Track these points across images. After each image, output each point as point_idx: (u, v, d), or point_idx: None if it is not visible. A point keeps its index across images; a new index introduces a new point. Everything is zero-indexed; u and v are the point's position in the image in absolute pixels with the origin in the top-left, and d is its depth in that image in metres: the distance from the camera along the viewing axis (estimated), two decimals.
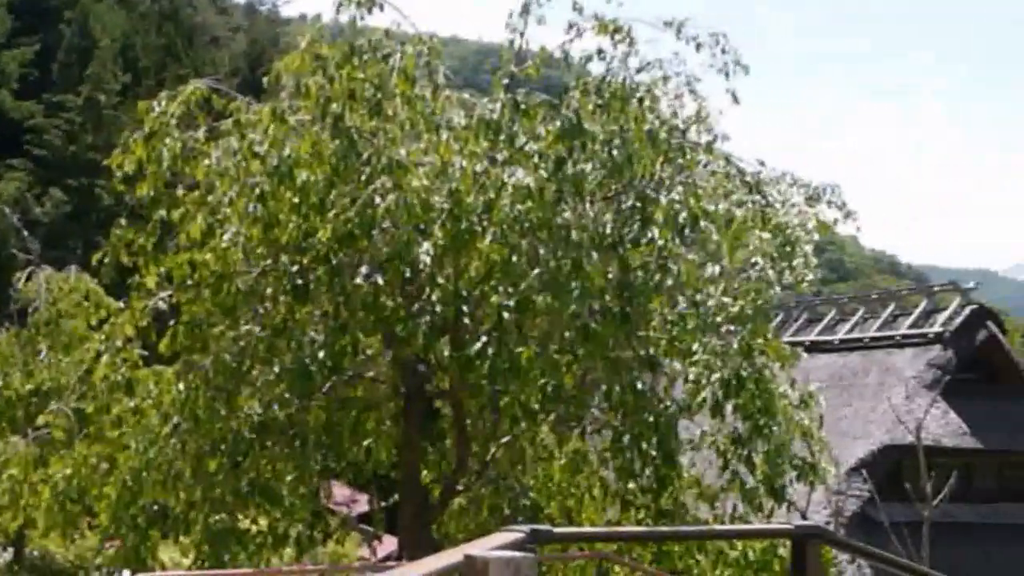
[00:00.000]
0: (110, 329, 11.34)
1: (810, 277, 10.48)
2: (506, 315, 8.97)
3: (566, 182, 9.24)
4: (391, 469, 11.74)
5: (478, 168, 9.29)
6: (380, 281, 9.22)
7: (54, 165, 54.60)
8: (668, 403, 9.79)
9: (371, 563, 12.78)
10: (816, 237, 10.52)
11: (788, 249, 10.19)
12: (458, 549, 4.15)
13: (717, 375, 9.54)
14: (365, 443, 11.26)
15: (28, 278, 16.69)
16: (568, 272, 8.92)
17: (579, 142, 9.41)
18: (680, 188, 9.55)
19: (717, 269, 9.74)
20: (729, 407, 9.70)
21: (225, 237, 9.85)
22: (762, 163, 10.72)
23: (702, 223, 9.56)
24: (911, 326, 27.42)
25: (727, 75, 10.17)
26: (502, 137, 9.57)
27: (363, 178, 9.44)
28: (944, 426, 25.20)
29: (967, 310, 26.84)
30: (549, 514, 10.82)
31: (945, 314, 26.98)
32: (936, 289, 29.99)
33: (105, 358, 11.08)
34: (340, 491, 14.31)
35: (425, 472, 11.16)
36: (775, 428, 9.83)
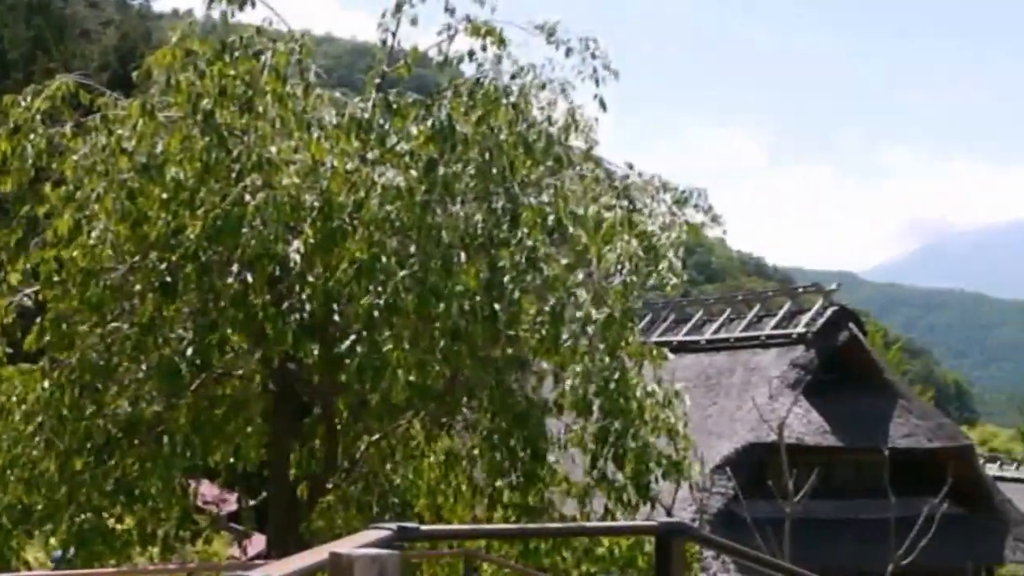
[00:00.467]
0: None
1: (676, 281, 10.67)
2: (376, 314, 9.01)
3: (437, 183, 9.31)
4: (261, 468, 11.68)
5: (349, 167, 9.31)
6: (250, 279, 9.19)
7: None
8: (536, 402, 9.91)
9: (240, 562, 12.70)
10: (684, 239, 10.72)
11: (655, 253, 10.37)
12: (324, 547, 4.17)
13: (584, 374, 9.68)
14: (234, 441, 11.19)
15: None
16: (438, 272, 9.00)
17: (450, 143, 9.49)
18: (550, 191, 9.68)
19: (586, 272, 9.88)
20: (596, 406, 9.86)
21: (93, 234, 9.71)
22: (631, 166, 10.92)
23: (571, 226, 9.71)
24: (775, 327, 28.06)
25: (597, 81, 10.34)
26: (373, 136, 9.60)
27: (233, 175, 9.40)
28: (806, 424, 25.83)
29: (829, 311, 27.56)
30: (419, 512, 10.89)
31: (808, 315, 27.67)
32: (800, 291, 30.73)
33: None
34: (210, 490, 14.18)
35: (294, 470, 11.13)
36: (641, 427, 10.02)
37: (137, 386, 9.95)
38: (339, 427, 10.34)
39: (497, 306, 9.38)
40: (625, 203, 10.36)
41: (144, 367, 9.71)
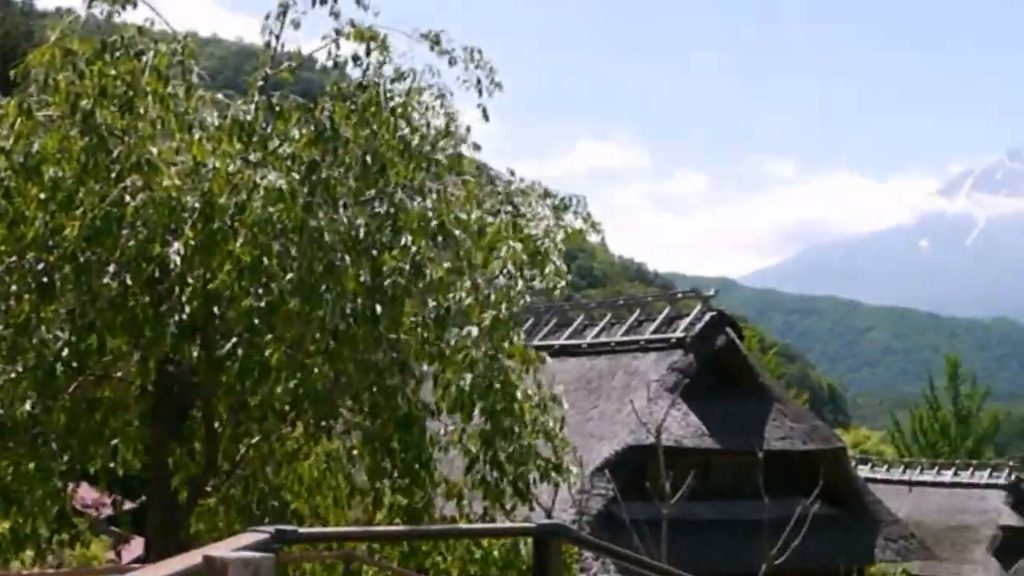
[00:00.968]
0: None
1: (561, 284, 10.82)
2: (257, 316, 9.01)
3: (319, 186, 9.33)
4: (140, 470, 11.56)
5: (231, 169, 9.28)
6: (129, 280, 9.11)
7: None
8: (417, 404, 9.98)
9: (117, 565, 12.55)
10: (563, 247, 10.87)
11: (539, 258, 10.50)
12: (198, 550, 4.21)
13: (465, 377, 9.78)
14: (112, 444, 11.06)
15: None
16: (320, 275, 9.04)
17: (333, 146, 9.53)
18: (433, 196, 9.76)
19: (470, 276, 9.98)
20: (476, 408, 9.96)
21: None
22: (512, 172, 11.04)
23: (454, 231, 9.80)
24: (655, 331, 28.46)
25: (481, 92, 10.45)
26: (255, 139, 9.59)
27: (113, 176, 9.31)
28: (685, 427, 26.24)
29: (708, 316, 28.04)
30: (300, 514, 10.87)
31: (687, 320, 28.10)
32: (679, 296, 31.19)
33: None
34: (90, 493, 13.97)
35: (174, 473, 11.04)
36: (520, 429, 10.14)
37: (11, 387, 9.79)
38: (220, 429, 10.29)
39: (379, 309, 9.44)
40: (509, 208, 10.47)
41: (19, 368, 9.56)
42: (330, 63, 10.47)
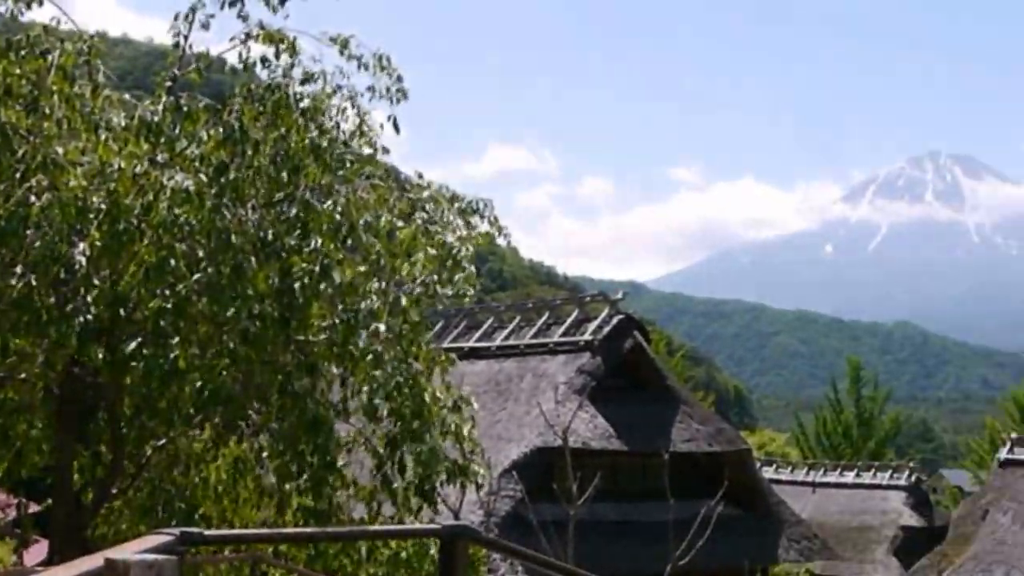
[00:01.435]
0: None
1: (472, 292, 10.88)
2: (164, 318, 8.98)
3: (228, 187, 9.32)
4: (45, 473, 11.43)
5: (137, 170, 9.22)
6: (34, 281, 9.02)
7: None
8: (326, 406, 9.99)
9: (22, 568, 12.39)
10: (471, 250, 10.93)
11: (451, 264, 10.55)
12: (100, 553, 4.21)
13: (374, 379, 9.81)
14: (16, 447, 10.93)
15: None
16: (228, 276, 9.02)
17: (241, 148, 9.51)
18: (342, 199, 9.77)
19: (379, 280, 10.00)
20: (384, 410, 9.99)
21: None
22: (420, 175, 11.09)
23: (364, 235, 9.83)
24: (563, 334, 28.67)
25: (391, 100, 10.49)
26: (162, 140, 9.54)
27: (18, 176, 9.21)
28: (592, 429, 26.46)
29: (615, 319, 28.32)
30: (207, 516, 10.82)
31: (595, 323, 28.33)
32: (588, 299, 31.43)
33: None
34: None
35: (79, 475, 10.93)
36: (429, 431, 10.19)
37: None
38: (125, 431, 10.21)
39: (288, 311, 9.44)
40: (421, 213, 10.51)
41: None
42: (239, 65, 10.45)
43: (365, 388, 9.88)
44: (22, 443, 10.92)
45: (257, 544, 10.01)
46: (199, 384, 9.28)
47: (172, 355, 9.09)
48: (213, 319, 9.27)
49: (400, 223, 10.39)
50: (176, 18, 10.17)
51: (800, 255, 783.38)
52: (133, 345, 9.09)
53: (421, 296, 10.25)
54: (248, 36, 10.26)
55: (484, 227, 11.10)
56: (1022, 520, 29.68)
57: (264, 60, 10.23)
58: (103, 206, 8.99)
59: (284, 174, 9.65)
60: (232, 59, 10.54)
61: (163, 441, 10.44)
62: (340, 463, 10.15)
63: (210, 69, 10.59)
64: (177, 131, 9.70)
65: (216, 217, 9.11)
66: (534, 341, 29.16)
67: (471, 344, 30.10)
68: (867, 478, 50.01)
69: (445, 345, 26.38)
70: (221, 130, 9.59)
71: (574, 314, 29.45)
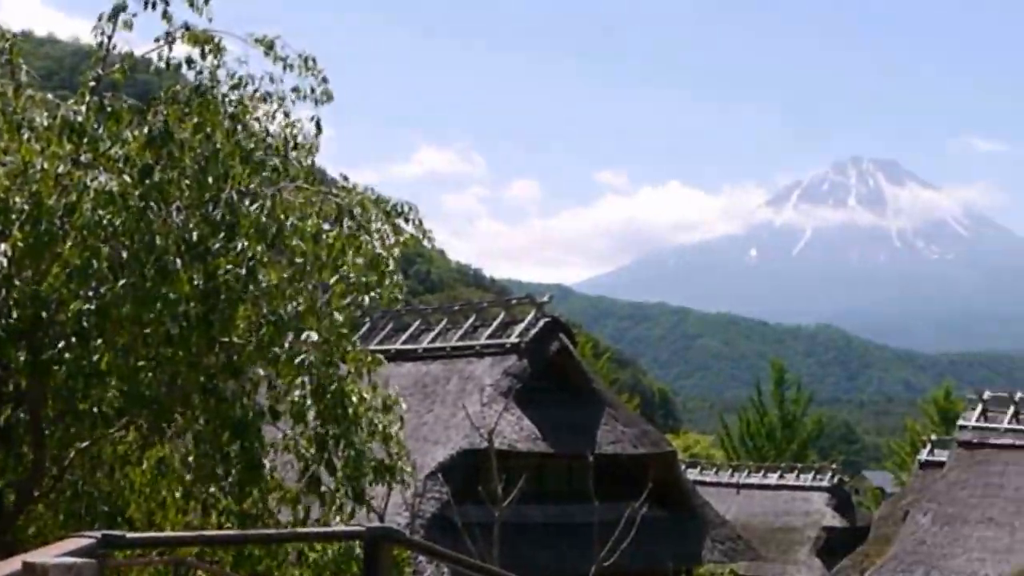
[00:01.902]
0: None
1: (398, 296, 10.88)
2: (87, 320, 8.91)
3: (152, 189, 9.25)
4: None
5: (60, 170, 9.15)
6: None
7: None
8: (252, 408, 9.96)
9: None
10: (398, 254, 10.92)
11: (377, 268, 10.54)
12: (18, 557, 4.17)
13: (301, 382, 9.80)
14: None
15: None
16: (152, 278, 8.97)
17: (167, 150, 9.45)
18: (269, 202, 9.74)
19: (307, 282, 9.98)
20: (312, 413, 9.98)
21: None
22: (346, 178, 11.07)
23: (291, 238, 9.80)
24: (490, 336, 28.74)
25: (316, 101, 10.47)
26: (86, 140, 9.46)
27: None
28: (518, 431, 26.56)
29: (541, 322, 28.43)
30: (132, 520, 10.73)
31: (521, 325, 28.43)
32: (514, 302, 31.53)
33: None
34: None
35: (1, 478, 10.80)
36: (355, 433, 10.20)
37: None
38: (48, 434, 10.11)
39: (213, 313, 9.41)
40: (348, 218, 10.49)
41: None
42: (163, 65, 10.37)
43: (293, 390, 9.87)
44: None
45: (181, 547, 9.94)
46: (123, 387, 9.22)
47: (95, 357, 9.02)
48: (137, 321, 9.21)
49: (326, 226, 10.37)
50: (100, 18, 10.08)
51: (725, 259, 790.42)
52: (56, 347, 9.01)
53: (348, 300, 10.25)
54: (170, 36, 10.18)
55: (410, 230, 11.12)
56: (942, 521, 30.19)
57: (189, 61, 10.17)
58: (25, 207, 8.91)
59: (212, 176, 9.59)
60: (157, 59, 10.47)
61: (86, 444, 10.35)
62: (267, 465, 10.13)
63: (136, 70, 10.52)
64: (101, 132, 9.62)
65: (141, 219, 9.05)
66: (461, 343, 29.22)
67: (398, 346, 30.08)
68: (790, 479, 50.61)
69: (372, 347, 26.32)
70: (146, 131, 9.52)
71: (500, 317, 29.54)
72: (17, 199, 8.98)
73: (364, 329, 30.26)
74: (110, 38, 10.12)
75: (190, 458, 10.33)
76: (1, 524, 10.16)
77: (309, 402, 9.86)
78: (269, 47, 10.22)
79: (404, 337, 30.74)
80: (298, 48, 10.32)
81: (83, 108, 9.72)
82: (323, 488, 10.25)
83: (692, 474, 47.70)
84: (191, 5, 10.09)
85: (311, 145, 10.71)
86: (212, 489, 10.03)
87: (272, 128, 10.47)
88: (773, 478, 51.07)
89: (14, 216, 8.89)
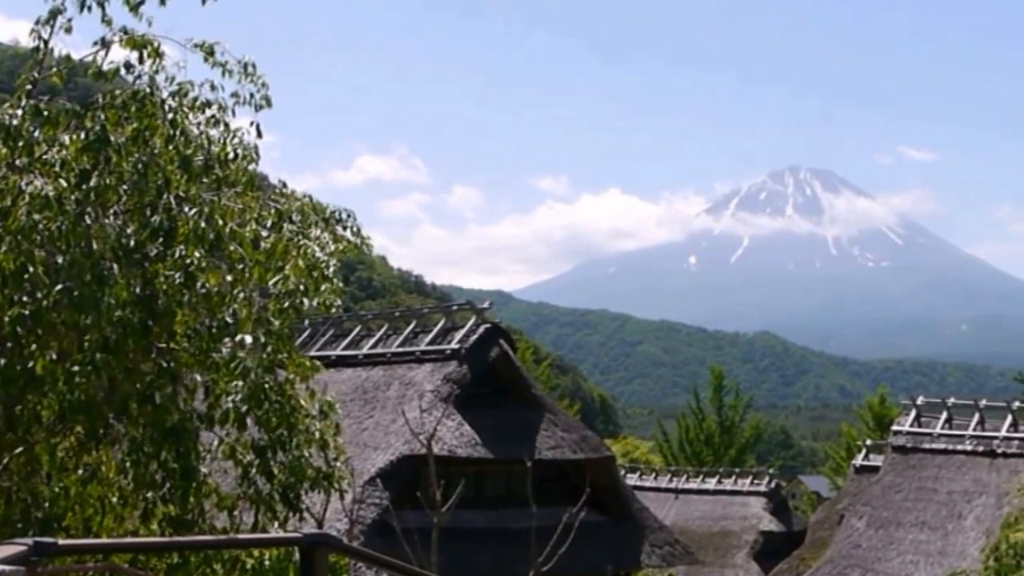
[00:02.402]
0: None
1: (337, 303, 10.86)
2: (22, 325, 8.83)
3: (90, 193, 9.19)
4: None
5: None
6: None
7: None
8: (189, 414, 9.91)
9: None
10: (337, 262, 10.92)
11: (316, 276, 10.52)
12: None
13: (238, 387, 9.77)
14: None
15: None
16: (89, 284, 8.90)
17: (104, 155, 9.39)
18: (207, 208, 9.70)
19: (246, 288, 9.94)
20: (250, 419, 9.95)
21: None
22: (284, 184, 11.06)
23: (230, 244, 9.77)
24: (431, 343, 28.76)
25: (256, 107, 10.44)
26: (21, 144, 9.38)
27: None
28: (458, 437, 26.58)
29: (482, 328, 28.49)
30: (68, 527, 10.63)
31: (462, 332, 28.47)
32: (455, 308, 31.58)
33: None
34: None
35: None
36: (294, 439, 10.17)
37: None
38: None
39: (151, 319, 9.36)
40: (287, 224, 10.47)
41: None
42: (103, 69, 10.29)
43: (230, 396, 9.83)
44: None
45: (115, 553, 9.87)
46: (59, 392, 9.14)
47: (31, 363, 8.95)
48: (74, 326, 9.14)
49: (265, 232, 10.35)
50: (37, 22, 10.00)
51: (664, 266, 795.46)
52: None
53: (287, 306, 10.22)
54: (104, 41, 10.11)
55: (348, 236, 11.12)
56: (876, 524, 30.59)
57: (128, 65, 10.10)
58: None
59: (150, 182, 9.54)
60: (95, 63, 10.39)
61: (20, 449, 10.25)
62: (204, 471, 10.08)
63: (76, 74, 10.44)
64: (37, 135, 9.54)
65: (77, 224, 8.99)
66: (401, 349, 29.20)
67: (338, 352, 30.03)
68: (728, 484, 51.07)
69: (312, 353, 26.23)
70: (84, 135, 9.45)
71: (441, 323, 29.58)
72: None
73: (305, 335, 30.19)
74: (46, 42, 10.05)
75: (127, 464, 10.26)
76: None
77: (246, 408, 9.83)
78: (209, 52, 10.17)
79: (345, 343, 30.69)
80: (238, 54, 10.29)
81: (19, 112, 9.63)
82: (261, 494, 10.21)
83: (631, 479, 48.02)
84: (131, 9, 10.03)
85: (251, 151, 10.66)
86: (149, 495, 9.96)
87: (212, 133, 10.42)
88: (711, 483, 51.51)
89: None
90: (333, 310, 10.99)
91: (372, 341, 30.23)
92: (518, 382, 29.14)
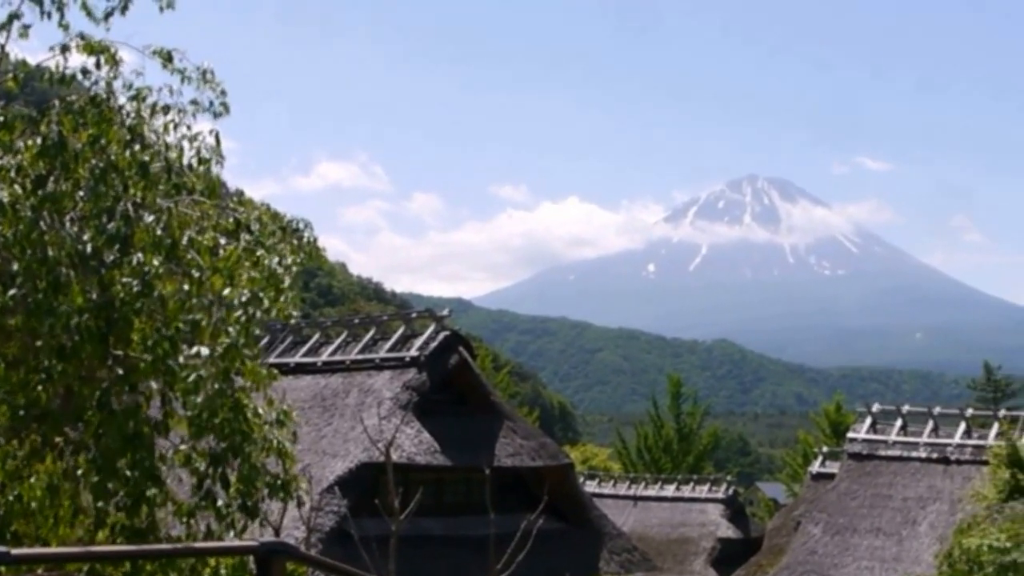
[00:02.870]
0: None
1: (295, 312, 10.83)
2: None
3: (46, 200, 9.14)
4: None
5: None
6: None
7: None
8: (145, 422, 9.86)
9: None
10: (295, 270, 10.89)
11: (276, 284, 10.49)
12: None
13: (196, 396, 9.72)
14: None
15: None
16: (44, 290, 8.85)
17: (61, 160, 9.33)
18: (165, 215, 9.66)
19: (202, 296, 9.90)
20: (207, 427, 9.90)
21: None
22: (242, 193, 11.06)
23: (188, 251, 9.73)
24: (390, 350, 28.71)
25: (215, 114, 10.40)
26: None
27: None
28: (417, 444, 26.53)
29: (441, 336, 28.46)
30: (21, 536, 10.55)
31: (421, 339, 28.44)
32: (415, 315, 31.55)
33: None
34: None
35: None
36: (251, 447, 10.13)
37: None
38: None
39: (107, 326, 9.30)
40: (246, 232, 10.43)
41: None
42: (59, 74, 10.23)
43: (187, 404, 9.78)
44: None
45: (68, 563, 9.81)
46: (14, 399, 9.08)
47: None
48: (29, 333, 9.08)
49: (223, 240, 10.31)
50: None
51: (623, 273, 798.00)
52: None
53: (244, 314, 10.17)
54: (65, 47, 10.06)
55: (304, 246, 11.10)
56: (833, 531, 30.81)
57: (84, 71, 10.05)
58: None
59: (108, 188, 9.49)
60: (53, 68, 10.33)
61: None
62: (160, 479, 10.02)
63: (32, 78, 10.37)
64: None
65: (33, 230, 8.93)
66: (360, 357, 29.12)
67: (297, 359, 29.91)
68: (686, 491, 51.28)
69: (271, 360, 26.13)
70: (40, 141, 9.39)
71: (401, 330, 29.52)
72: None
73: (264, 342, 30.04)
74: (3, 46, 9.99)
75: (79, 472, 10.19)
76: None
77: (203, 416, 9.78)
78: (167, 59, 10.13)
79: (304, 350, 30.58)
80: (196, 60, 10.26)
81: None
82: (217, 502, 10.16)
83: (590, 486, 48.09)
84: (88, 15, 9.99)
85: (210, 158, 10.62)
86: (101, 504, 9.90)
87: (170, 140, 10.37)
88: (669, 490, 51.70)
89: None
90: (292, 322, 10.99)
91: (331, 348, 30.14)
92: (477, 389, 29.13)
